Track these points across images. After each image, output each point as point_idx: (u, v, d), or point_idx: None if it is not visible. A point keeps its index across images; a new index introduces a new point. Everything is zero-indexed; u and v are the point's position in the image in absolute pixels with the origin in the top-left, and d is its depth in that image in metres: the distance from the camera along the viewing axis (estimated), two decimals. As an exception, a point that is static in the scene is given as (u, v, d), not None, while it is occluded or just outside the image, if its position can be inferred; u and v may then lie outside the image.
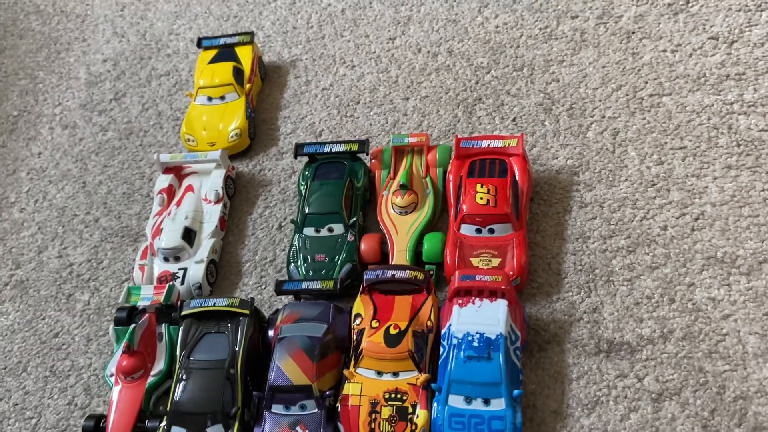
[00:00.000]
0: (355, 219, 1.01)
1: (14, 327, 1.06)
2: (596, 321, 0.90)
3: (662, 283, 0.90)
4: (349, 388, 0.86)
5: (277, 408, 0.86)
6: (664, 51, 1.11)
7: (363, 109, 1.18)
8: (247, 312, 0.93)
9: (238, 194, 1.13)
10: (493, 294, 0.87)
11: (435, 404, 0.83)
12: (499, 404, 0.81)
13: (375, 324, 0.89)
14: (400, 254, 0.97)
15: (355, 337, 0.90)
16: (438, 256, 0.96)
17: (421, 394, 0.84)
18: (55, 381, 0.99)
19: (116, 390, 0.92)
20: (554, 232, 0.98)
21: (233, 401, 0.87)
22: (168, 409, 0.88)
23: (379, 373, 0.86)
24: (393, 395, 0.84)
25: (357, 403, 0.85)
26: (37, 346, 1.03)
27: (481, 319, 0.85)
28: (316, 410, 0.85)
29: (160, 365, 0.94)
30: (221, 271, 1.05)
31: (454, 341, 0.84)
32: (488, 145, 1.00)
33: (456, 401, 0.82)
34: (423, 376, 0.85)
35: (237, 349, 0.90)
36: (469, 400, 0.82)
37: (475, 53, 1.20)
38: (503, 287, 0.86)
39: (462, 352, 0.83)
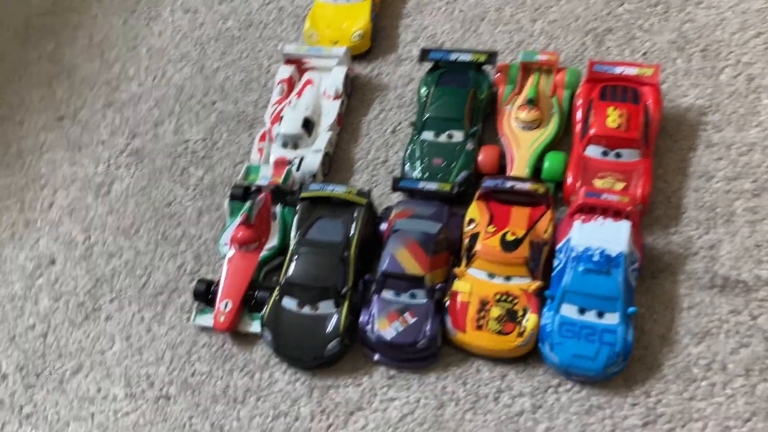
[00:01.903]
0: (476, 129, 1.00)
1: (128, 192, 1.10)
2: (713, 257, 0.89)
3: (787, 229, 0.89)
4: (458, 286, 0.87)
5: (387, 294, 0.88)
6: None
7: (487, 26, 1.17)
8: (363, 202, 0.94)
9: (354, 95, 1.14)
10: (616, 215, 0.87)
11: (546, 311, 0.84)
12: (612, 318, 0.81)
13: (491, 229, 0.89)
14: (520, 168, 0.96)
15: (467, 240, 0.91)
16: (559, 175, 0.95)
17: (532, 300, 0.85)
18: (165, 246, 1.03)
19: (230, 258, 0.96)
20: (677, 167, 0.97)
21: (345, 282, 0.90)
22: (281, 280, 0.91)
23: (491, 276, 0.87)
24: (504, 297, 0.86)
25: (466, 299, 0.86)
26: (150, 212, 1.07)
27: (603, 236, 0.85)
28: (426, 300, 0.86)
29: (273, 241, 0.97)
30: (334, 165, 1.07)
31: (573, 254, 0.84)
32: (622, 71, 0.99)
33: (569, 311, 0.83)
34: (536, 284, 0.86)
35: (351, 234, 0.92)
36: (582, 311, 0.82)
37: (608, -15, 1.17)
38: (629, 208, 0.86)
39: (581, 265, 0.83)
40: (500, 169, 0.99)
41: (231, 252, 0.96)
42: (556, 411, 0.82)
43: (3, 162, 1.18)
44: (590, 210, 0.88)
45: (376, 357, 0.88)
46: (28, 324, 0.99)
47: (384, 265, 0.88)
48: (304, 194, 0.96)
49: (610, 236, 0.85)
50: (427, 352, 0.86)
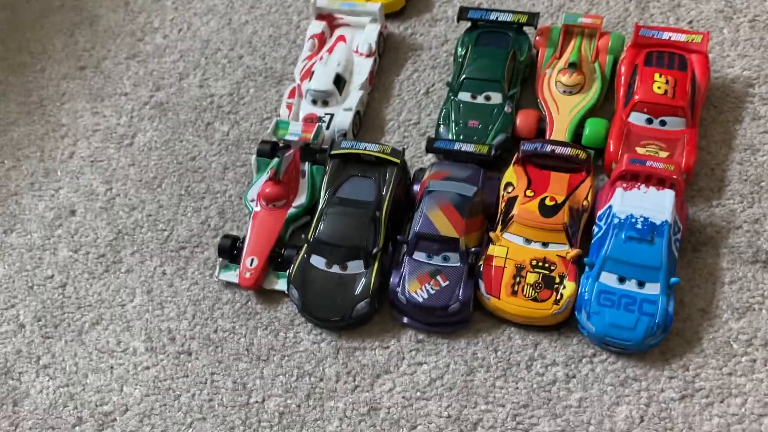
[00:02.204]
0: (514, 91, 0.97)
1: (152, 144, 1.07)
2: (757, 232, 0.86)
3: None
4: (494, 250, 0.85)
5: (419, 255, 0.85)
6: None
7: (526, -10, 1.13)
8: (397, 161, 0.91)
9: (386, 54, 1.11)
10: (660, 183, 0.84)
11: (584, 279, 0.82)
12: (653, 289, 0.79)
13: (529, 193, 0.86)
14: (559, 133, 0.93)
15: (504, 204, 0.88)
16: (600, 142, 0.92)
17: (570, 267, 0.83)
18: (189, 200, 1.00)
19: (256, 214, 0.93)
20: (721, 139, 0.94)
21: (375, 242, 0.87)
22: (309, 238, 0.88)
23: (528, 241, 0.84)
24: (540, 263, 0.83)
25: (501, 264, 0.84)
26: (173, 165, 1.04)
27: (647, 204, 0.82)
28: (459, 264, 0.84)
29: (301, 199, 0.94)
30: (364, 125, 1.04)
31: (615, 221, 0.81)
32: (669, 37, 0.95)
33: (608, 279, 0.80)
34: (574, 251, 0.83)
35: (383, 194, 0.89)
36: (622, 279, 0.80)
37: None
38: (674, 177, 0.83)
39: (623, 233, 0.80)
40: (538, 133, 0.96)
41: (258, 208, 0.93)
42: (590, 381, 0.80)
43: (23, 110, 1.15)
44: (632, 178, 0.85)
45: (405, 320, 0.86)
46: (46, 274, 0.97)
47: (417, 225, 0.85)
48: (335, 151, 0.93)
49: (653, 205, 0.82)
50: (459, 316, 0.83)
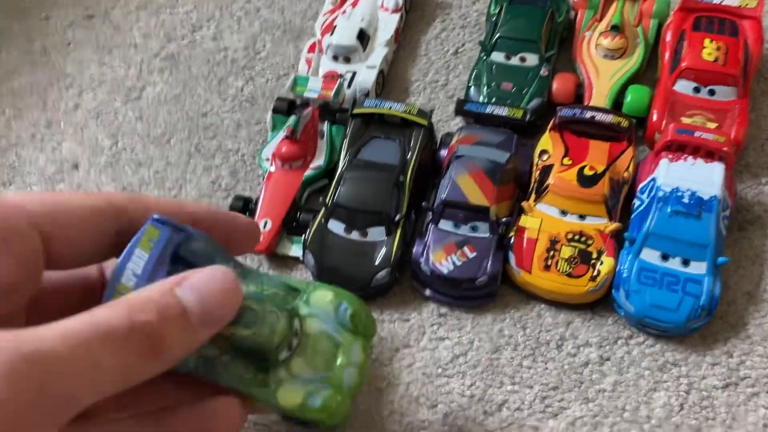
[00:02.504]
0: (552, 53, 0.91)
1: (161, 98, 1.01)
2: (809, 213, 0.81)
3: None
4: (526, 221, 0.79)
5: (445, 224, 0.79)
6: None
7: (564, -51, 1.06)
8: (424, 122, 0.85)
9: (413, 11, 1.04)
10: (708, 156, 0.78)
11: (624, 255, 0.76)
12: (699, 268, 0.73)
13: (567, 162, 0.80)
14: (598, 100, 0.87)
15: (538, 173, 0.82)
16: (642, 111, 0.86)
17: (608, 242, 0.77)
18: (199, 158, 0.94)
19: (271, 174, 0.87)
20: (772, 113, 0.88)
21: (398, 208, 0.81)
22: (328, 201, 0.83)
23: (564, 213, 0.79)
24: (577, 237, 0.77)
25: (534, 236, 0.78)
26: (183, 121, 0.98)
27: (694, 177, 0.76)
28: (489, 234, 0.78)
29: (319, 161, 0.88)
30: (388, 85, 0.97)
31: (660, 194, 0.75)
32: (721, 1, 0.89)
33: (650, 256, 0.74)
34: (614, 225, 0.77)
35: (408, 157, 0.83)
36: (666, 257, 0.74)
37: None
38: (724, 149, 0.77)
39: (669, 206, 0.75)
40: (576, 99, 0.90)
41: (273, 168, 0.88)
42: (626, 365, 0.75)
43: (26, 59, 1.08)
44: (678, 149, 0.79)
45: (428, 292, 0.80)
46: (46, 231, 0.92)
47: (444, 192, 0.79)
48: (357, 110, 0.87)
49: (701, 178, 0.76)
50: (486, 290, 0.78)
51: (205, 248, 0.54)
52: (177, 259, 0.53)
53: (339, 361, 0.59)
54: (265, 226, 0.84)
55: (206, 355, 0.54)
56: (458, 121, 0.93)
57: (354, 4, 1.00)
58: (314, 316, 0.59)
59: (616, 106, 0.87)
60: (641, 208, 0.77)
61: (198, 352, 0.53)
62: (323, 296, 0.61)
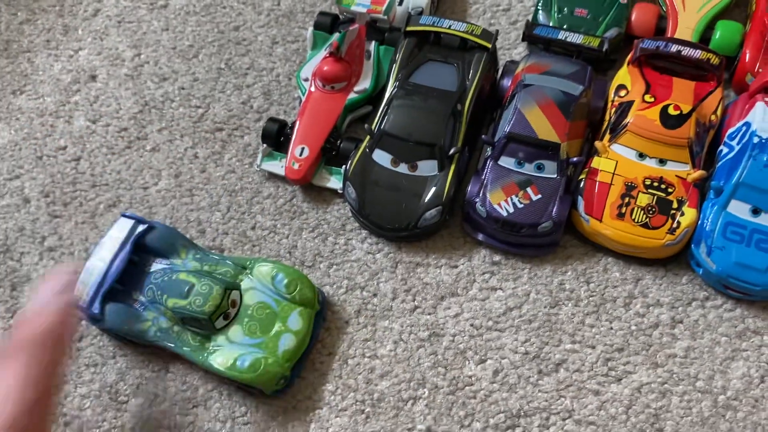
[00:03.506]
0: (635, -21, 0.82)
1: (189, 8, 0.91)
2: None
3: None
4: (599, 163, 0.70)
5: (506, 161, 0.71)
6: None
7: None
8: (488, 45, 0.75)
9: (473, -72, 0.94)
10: (811, 100, 0.69)
11: (709, 206, 0.67)
12: (796, 226, 0.65)
13: (649, 99, 0.71)
14: (684, 33, 0.77)
15: (614, 111, 0.73)
16: (733, 50, 0.76)
17: (691, 191, 0.68)
18: (230, 75, 0.86)
19: (310, 95, 0.78)
20: None
21: (453, 140, 0.73)
22: (374, 128, 0.74)
23: (641, 156, 0.70)
24: (656, 184, 0.69)
25: (608, 181, 0.69)
26: (213, 34, 0.89)
27: (796, 123, 0.68)
28: (556, 175, 0.69)
29: (365, 84, 0.79)
30: (443, 5, 0.87)
31: (755, 140, 0.66)
32: (833, -72, 0.79)
33: (739, 209, 0.66)
34: (698, 172, 0.69)
35: (468, 84, 0.74)
36: (757, 211, 0.65)
37: None
38: (832, 93, 0.68)
39: (765, 155, 0.66)
40: (657, 32, 0.80)
41: (312, 88, 0.79)
42: (700, 329, 0.67)
43: (41, -40, 0.99)
44: (776, 92, 0.70)
45: (481, 237, 0.72)
46: (58, 144, 0.83)
47: (509, 124, 0.70)
48: (411, 27, 0.77)
49: (804, 125, 0.68)
50: (549, 238, 0.69)
51: (165, 237, 0.69)
52: (142, 246, 0.69)
53: (275, 328, 0.66)
54: (302, 153, 0.75)
55: (160, 326, 0.66)
56: (522, 50, 0.83)
57: None
58: (254, 288, 0.68)
59: (704, 42, 0.78)
60: (731, 155, 0.68)
61: (156, 325, 0.66)
62: (262, 270, 0.68)
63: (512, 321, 0.68)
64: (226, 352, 0.64)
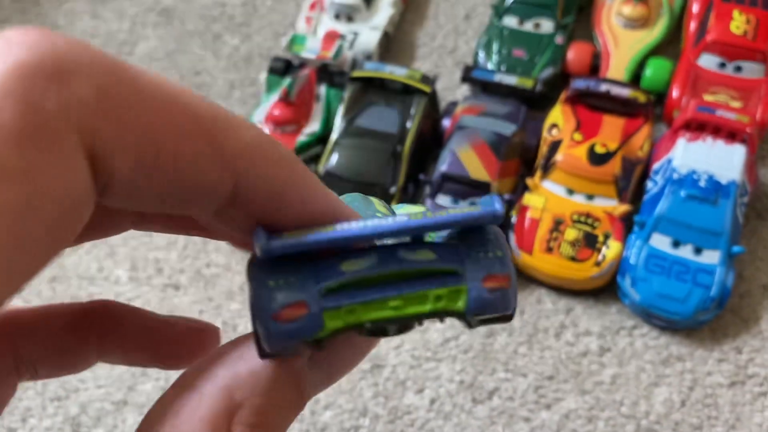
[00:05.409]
0: (570, 20, 0.85)
1: (154, 55, 0.96)
2: (835, 203, 0.76)
3: None
4: (530, 200, 0.74)
5: (443, 199, 0.75)
6: None
7: None
8: (427, 89, 0.80)
9: (423, -29, 0.99)
10: (729, 137, 0.73)
11: (633, 240, 0.71)
12: (711, 257, 0.68)
13: (578, 137, 0.75)
14: (616, 71, 0.81)
15: (546, 148, 0.77)
16: (662, 86, 0.80)
17: (616, 225, 0.72)
18: (190, 119, 0.91)
19: (263, 139, 0.83)
20: (802, 94, 0.82)
21: (394, 180, 0.77)
22: (320, 170, 0.78)
23: (570, 192, 0.74)
24: (583, 218, 0.73)
25: (537, 216, 0.73)
26: (176, 79, 0.94)
27: (713, 159, 0.71)
28: (489, 213, 0.74)
29: (314, 126, 0.83)
30: (393, 48, 0.92)
31: (675, 176, 0.70)
32: (754, -30, 0.83)
33: (660, 242, 0.70)
34: (624, 207, 0.73)
35: (408, 126, 0.79)
36: (677, 244, 0.69)
37: None
38: (747, 131, 0.72)
39: (683, 190, 0.70)
40: (592, 71, 0.84)
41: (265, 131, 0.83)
42: (627, 356, 0.70)
43: (17, 8, 1.04)
44: (698, 128, 0.74)
45: (421, 270, 0.76)
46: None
47: (444, 165, 0.75)
48: (356, 73, 0.81)
49: (721, 161, 0.71)
50: (483, 271, 0.74)
51: None
52: None
53: None
54: (253, 193, 0.80)
55: None
56: (465, 90, 0.87)
57: (360, -39, 0.95)
58: None
59: (635, 79, 0.81)
60: (655, 190, 0.72)
61: None
62: None
63: (450, 351, 0.72)
64: None
